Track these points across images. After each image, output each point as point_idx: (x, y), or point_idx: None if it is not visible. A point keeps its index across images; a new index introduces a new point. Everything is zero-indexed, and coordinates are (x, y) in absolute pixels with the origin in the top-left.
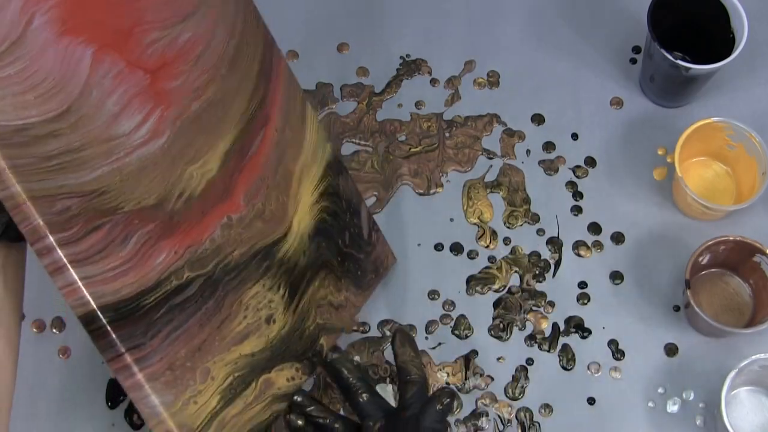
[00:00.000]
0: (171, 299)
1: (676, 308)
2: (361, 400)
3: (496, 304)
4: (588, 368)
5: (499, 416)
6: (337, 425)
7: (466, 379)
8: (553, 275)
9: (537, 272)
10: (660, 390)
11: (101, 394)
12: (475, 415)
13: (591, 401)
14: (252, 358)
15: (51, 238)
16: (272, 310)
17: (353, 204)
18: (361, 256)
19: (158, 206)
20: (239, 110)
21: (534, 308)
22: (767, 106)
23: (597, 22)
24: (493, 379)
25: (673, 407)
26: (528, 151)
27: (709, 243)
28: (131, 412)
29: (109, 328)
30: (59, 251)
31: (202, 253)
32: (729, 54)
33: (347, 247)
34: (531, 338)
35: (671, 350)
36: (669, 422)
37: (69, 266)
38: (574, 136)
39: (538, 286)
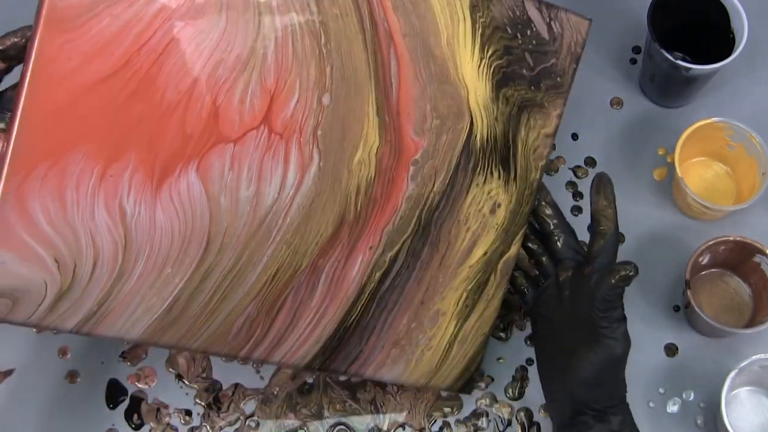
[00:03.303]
0: (378, 290)
1: (676, 308)
2: (557, 244)
3: None
4: None
5: (499, 416)
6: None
7: None
8: None
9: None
10: (660, 390)
11: (101, 394)
12: (475, 415)
13: None
14: (484, 257)
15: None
16: (494, 197)
17: (517, 14)
18: (553, 60)
19: (339, 225)
20: (360, 55)
21: None
22: (767, 106)
23: (597, 22)
24: (493, 379)
25: (673, 407)
26: None
27: (709, 243)
28: (131, 413)
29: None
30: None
31: (401, 220)
32: (729, 54)
33: (534, 66)
34: (531, 338)
35: (671, 350)
36: (669, 422)
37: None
38: (574, 136)
39: None
